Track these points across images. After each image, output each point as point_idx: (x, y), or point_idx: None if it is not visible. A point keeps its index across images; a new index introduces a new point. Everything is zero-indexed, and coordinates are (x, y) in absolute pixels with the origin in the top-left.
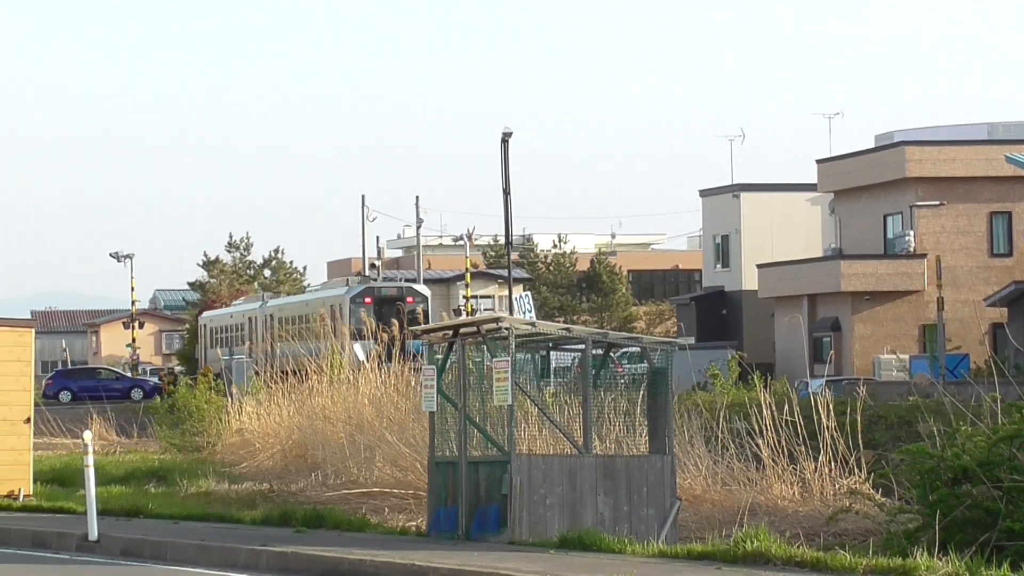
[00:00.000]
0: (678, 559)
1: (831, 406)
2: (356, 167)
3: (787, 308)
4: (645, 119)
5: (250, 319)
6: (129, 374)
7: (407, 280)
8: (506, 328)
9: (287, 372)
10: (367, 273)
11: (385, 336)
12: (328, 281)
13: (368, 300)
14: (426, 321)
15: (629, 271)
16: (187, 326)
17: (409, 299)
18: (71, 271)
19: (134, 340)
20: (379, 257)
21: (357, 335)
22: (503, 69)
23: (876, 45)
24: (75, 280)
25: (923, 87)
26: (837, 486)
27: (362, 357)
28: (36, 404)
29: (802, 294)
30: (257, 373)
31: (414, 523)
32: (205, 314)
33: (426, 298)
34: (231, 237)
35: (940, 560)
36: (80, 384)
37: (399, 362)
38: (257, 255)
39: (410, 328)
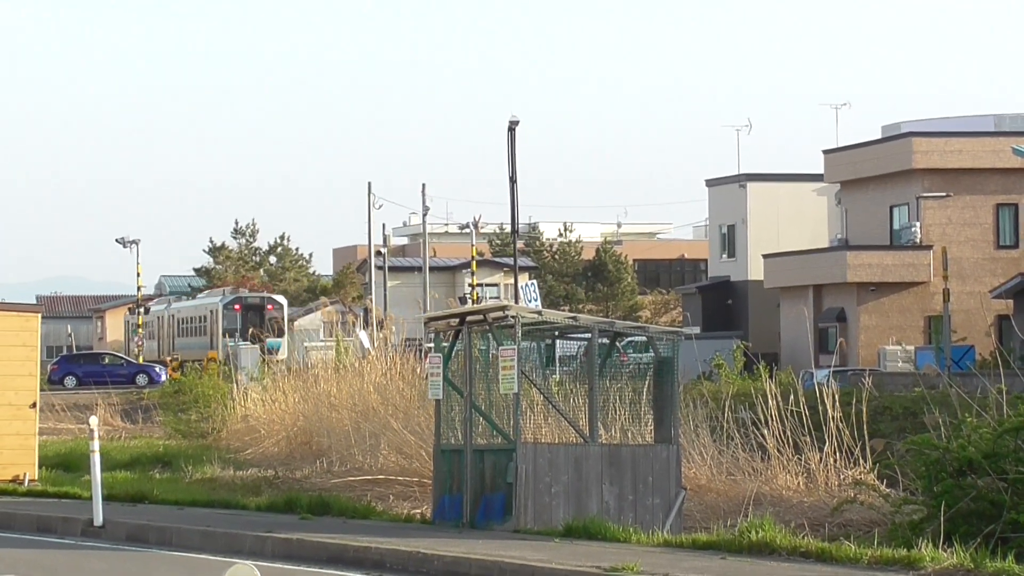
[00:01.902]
0: (683, 548)
1: (836, 397)
2: (363, 155)
3: (793, 298)
4: (652, 109)
5: (159, 317)
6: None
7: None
8: (513, 316)
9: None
10: (373, 260)
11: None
12: (212, 290)
13: (237, 307)
14: (281, 324)
15: (635, 260)
16: None
17: (269, 307)
18: (77, 257)
19: (140, 326)
20: (385, 245)
21: (227, 334)
22: (510, 58)
23: (884, 36)
24: (81, 266)
25: (930, 78)
26: (842, 477)
27: (367, 345)
28: (41, 389)
29: (808, 284)
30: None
31: (419, 511)
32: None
33: (282, 306)
34: (237, 223)
35: (945, 551)
36: (85, 369)
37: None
38: (263, 241)
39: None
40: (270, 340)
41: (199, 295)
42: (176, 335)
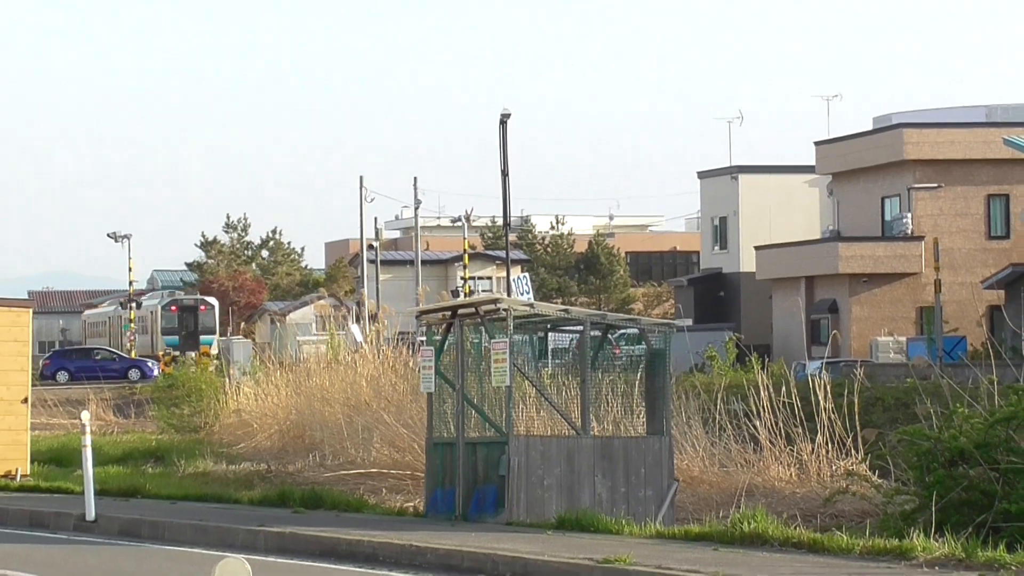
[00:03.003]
0: (675, 540)
1: (828, 388)
2: (355, 148)
3: (785, 290)
4: (644, 101)
5: (109, 318)
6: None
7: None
8: (505, 309)
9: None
10: (365, 254)
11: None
12: (152, 293)
13: (174, 308)
14: (213, 323)
15: (627, 253)
16: None
17: (202, 307)
18: (69, 252)
19: (132, 321)
20: (377, 239)
21: (165, 332)
22: (502, 50)
23: (875, 27)
24: (73, 260)
25: (922, 69)
26: (834, 468)
27: (360, 339)
28: (33, 384)
29: (800, 276)
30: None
31: (412, 504)
32: (87, 312)
33: (213, 307)
34: (229, 218)
35: (936, 541)
36: (77, 364)
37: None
38: (255, 236)
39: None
40: (203, 337)
41: (143, 298)
42: (122, 333)
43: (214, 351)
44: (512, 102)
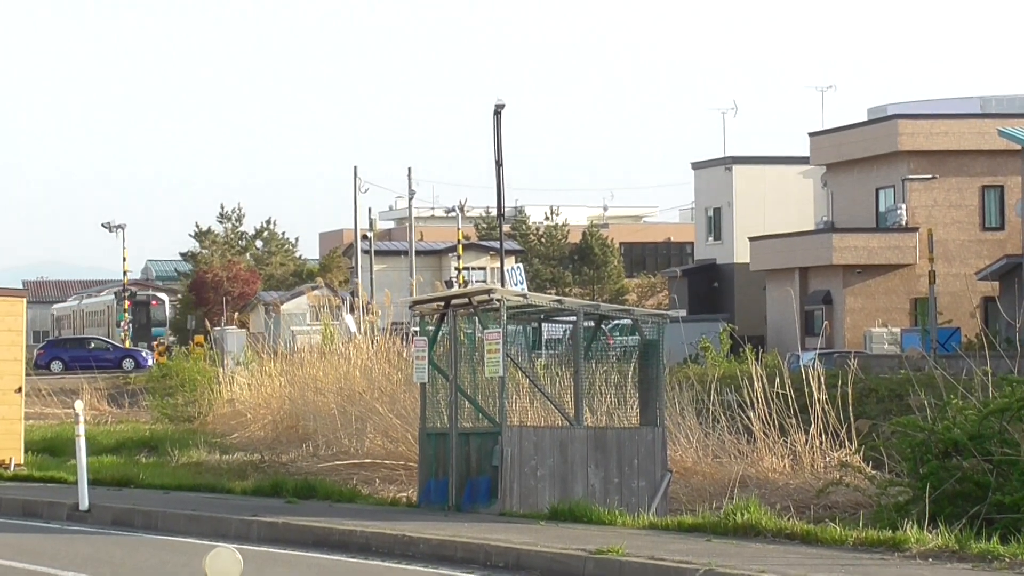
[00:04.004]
0: (668, 531)
1: (822, 379)
2: (349, 138)
3: (779, 281)
4: (638, 91)
5: (73, 312)
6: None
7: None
8: (498, 300)
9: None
10: (359, 244)
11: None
12: (108, 289)
13: (128, 303)
14: (164, 317)
15: (621, 244)
16: (179, 296)
17: (154, 303)
18: (63, 242)
19: (126, 311)
20: (371, 229)
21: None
22: (497, 40)
23: (870, 17)
24: (67, 250)
25: (917, 60)
26: (828, 459)
27: (353, 329)
28: (27, 374)
29: (794, 267)
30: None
31: (405, 494)
32: (55, 306)
33: (164, 302)
34: (223, 208)
35: (930, 533)
36: (71, 354)
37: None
38: (249, 226)
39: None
40: (155, 330)
41: (100, 294)
42: (84, 326)
43: (166, 343)
44: (506, 92)
